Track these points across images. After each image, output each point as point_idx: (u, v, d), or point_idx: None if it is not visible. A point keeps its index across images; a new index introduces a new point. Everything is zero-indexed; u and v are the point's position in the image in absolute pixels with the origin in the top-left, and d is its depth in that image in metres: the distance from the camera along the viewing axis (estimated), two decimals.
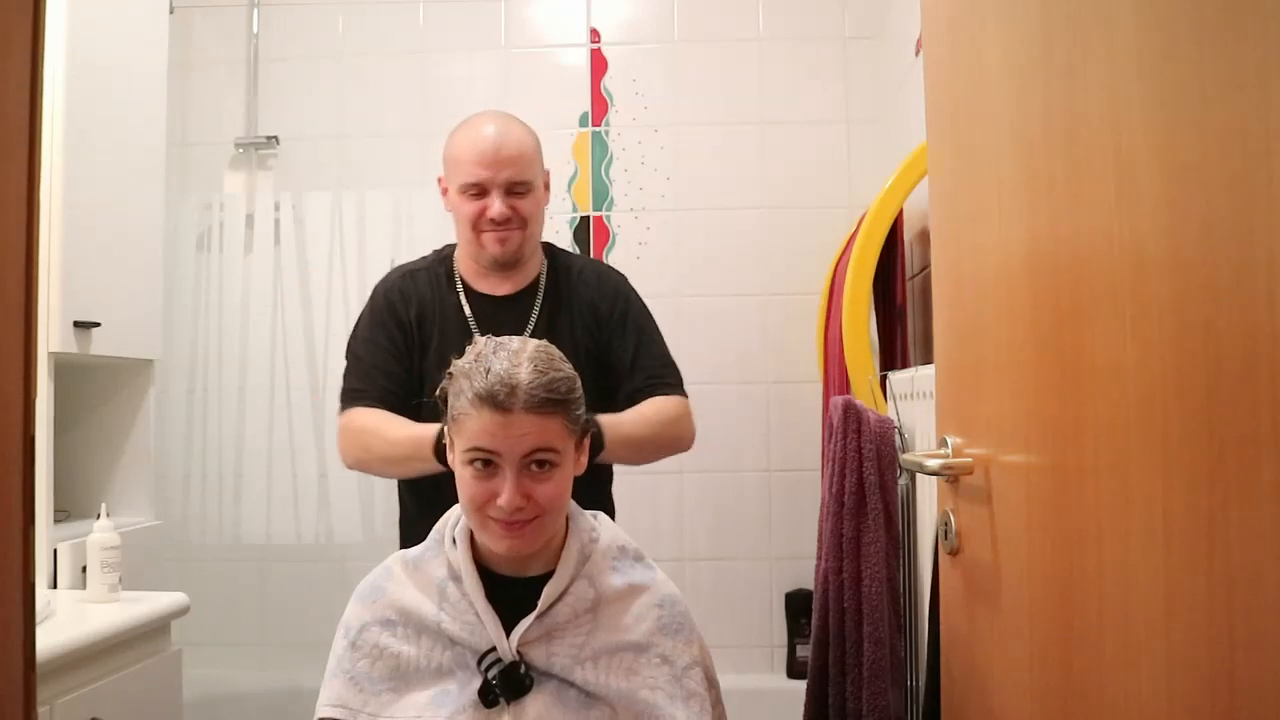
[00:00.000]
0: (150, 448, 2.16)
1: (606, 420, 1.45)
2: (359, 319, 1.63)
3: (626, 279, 1.68)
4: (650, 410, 1.53)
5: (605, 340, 1.60)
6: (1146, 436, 0.71)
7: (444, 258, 1.65)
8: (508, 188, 1.52)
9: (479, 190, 1.52)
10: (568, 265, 1.65)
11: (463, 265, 1.62)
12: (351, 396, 1.55)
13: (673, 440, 1.56)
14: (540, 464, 1.07)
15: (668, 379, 1.59)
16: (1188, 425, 0.66)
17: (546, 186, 1.62)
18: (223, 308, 2.70)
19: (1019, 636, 0.95)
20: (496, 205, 1.51)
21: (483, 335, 1.52)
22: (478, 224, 1.53)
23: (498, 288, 1.60)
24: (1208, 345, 0.63)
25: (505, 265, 1.58)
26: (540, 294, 1.60)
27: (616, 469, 1.66)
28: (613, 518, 1.63)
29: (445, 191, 1.59)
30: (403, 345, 1.57)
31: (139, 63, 2.13)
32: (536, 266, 1.63)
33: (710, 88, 2.74)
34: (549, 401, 1.06)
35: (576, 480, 1.15)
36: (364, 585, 1.19)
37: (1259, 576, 0.59)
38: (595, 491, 1.50)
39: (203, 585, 2.40)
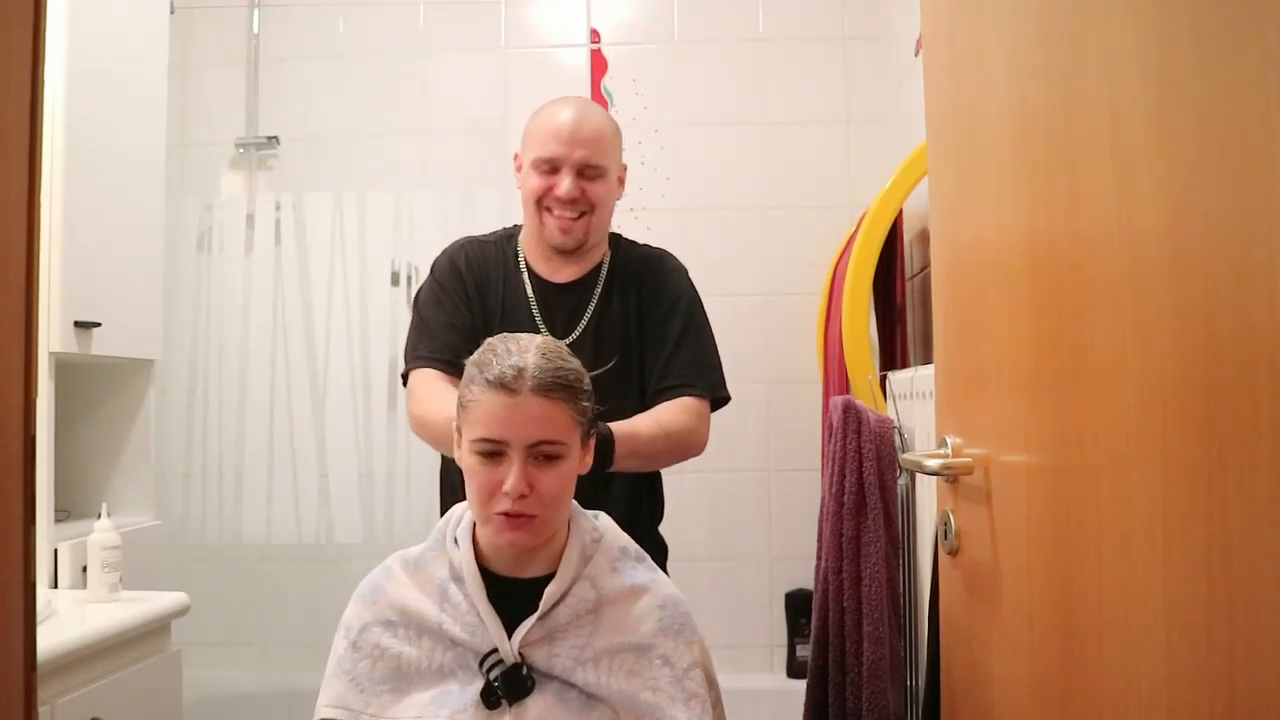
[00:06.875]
0: (150, 448, 2.16)
1: (620, 430, 1.39)
2: (422, 284, 1.60)
3: (685, 273, 1.63)
4: (665, 415, 1.48)
5: (649, 334, 1.56)
6: (1146, 436, 0.71)
7: (510, 236, 1.62)
8: (580, 169, 1.49)
9: (551, 167, 1.50)
10: (629, 255, 1.62)
11: (527, 247, 1.60)
12: (413, 356, 1.52)
13: (680, 447, 1.50)
14: (546, 456, 1.08)
15: (696, 381, 1.53)
16: (1188, 425, 0.66)
17: (621, 181, 1.60)
18: (223, 308, 2.71)
19: (1019, 636, 0.95)
20: (565, 184, 1.48)
21: (542, 318, 1.53)
22: (543, 200, 1.51)
23: (558, 273, 1.57)
24: (1208, 345, 0.64)
25: (567, 251, 1.55)
26: (599, 284, 1.58)
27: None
28: (663, 556, 1.63)
29: (519, 168, 1.56)
30: (465, 302, 1.54)
31: (139, 63, 2.12)
32: (599, 255, 1.60)
33: (710, 88, 2.74)
34: (557, 386, 1.08)
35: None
36: (364, 585, 1.19)
37: (1259, 576, 0.59)
38: (647, 536, 1.48)
39: (203, 585, 2.39)
